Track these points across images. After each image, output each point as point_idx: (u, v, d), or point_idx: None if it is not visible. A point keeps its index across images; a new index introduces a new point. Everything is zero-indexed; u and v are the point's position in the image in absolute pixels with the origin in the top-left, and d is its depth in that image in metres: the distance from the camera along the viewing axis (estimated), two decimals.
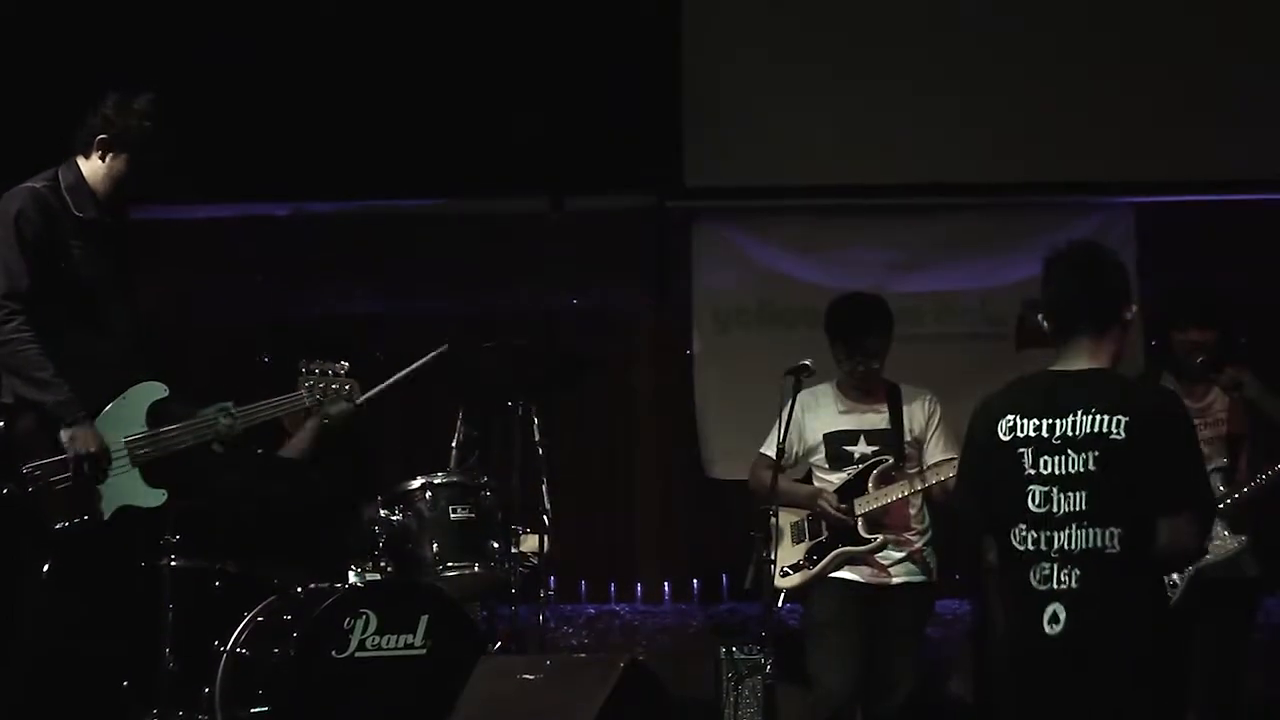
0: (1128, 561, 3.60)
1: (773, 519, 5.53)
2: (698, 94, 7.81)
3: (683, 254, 7.90)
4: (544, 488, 5.82)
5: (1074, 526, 3.61)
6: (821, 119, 7.80)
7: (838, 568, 5.61)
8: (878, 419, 5.71)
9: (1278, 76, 7.64)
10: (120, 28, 7.36)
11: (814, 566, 5.62)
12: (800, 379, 5.46)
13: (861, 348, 5.63)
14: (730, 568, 7.27)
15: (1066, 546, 3.61)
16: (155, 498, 4.91)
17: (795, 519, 5.73)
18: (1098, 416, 3.63)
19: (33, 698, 4.73)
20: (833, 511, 5.56)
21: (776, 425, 5.52)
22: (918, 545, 5.65)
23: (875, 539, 5.55)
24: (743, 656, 6.63)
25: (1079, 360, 3.77)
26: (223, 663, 5.23)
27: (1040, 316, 3.89)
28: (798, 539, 5.71)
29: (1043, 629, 3.61)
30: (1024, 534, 3.67)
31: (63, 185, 4.90)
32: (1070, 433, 3.64)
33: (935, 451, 5.69)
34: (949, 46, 7.77)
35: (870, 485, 5.59)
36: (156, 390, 4.98)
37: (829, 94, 7.81)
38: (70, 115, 5.00)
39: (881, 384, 5.76)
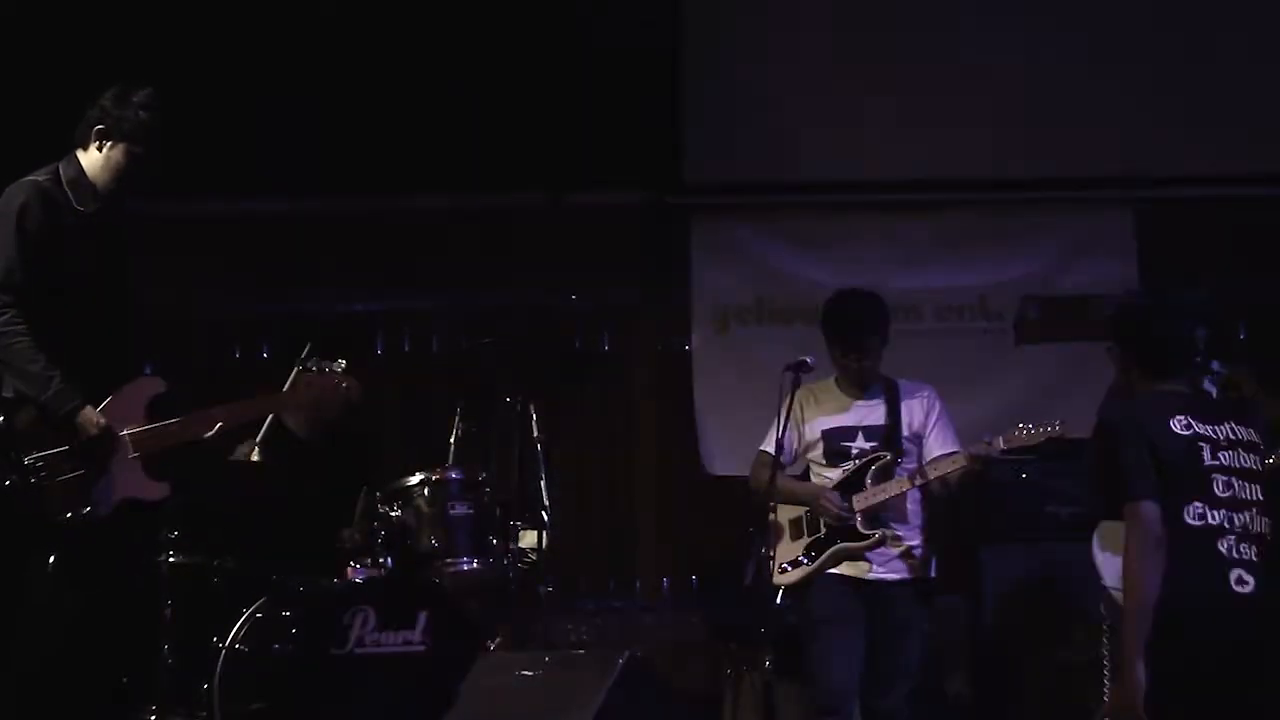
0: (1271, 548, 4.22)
1: (772, 515, 5.52)
2: (697, 90, 7.81)
3: (682, 250, 7.90)
4: (542, 484, 5.82)
5: (1255, 511, 4.20)
6: (821, 115, 7.80)
7: (836, 563, 5.61)
8: (876, 415, 5.71)
9: (1277, 70, 7.65)
10: (122, 23, 7.35)
11: (812, 563, 5.62)
12: (799, 375, 5.45)
13: (856, 345, 5.63)
14: (729, 564, 7.25)
15: (1249, 526, 4.18)
16: (158, 491, 4.91)
17: (794, 515, 5.72)
18: (1247, 429, 4.27)
19: (33, 693, 4.73)
20: (834, 509, 5.56)
21: (775, 422, 5.51)
22: (917, 541, 5.65)
23: (874, 535, 5.55)
24: (742, 653, 6.63)
25: (1178, 387, 4.33)
26: (221, 659, 5.23)
27: (1121, 352, 4.39)
28: (796, 535, 5.71)
29: (1231, 588, 4.11)
30: (1207, 510, 4.16)
31: (64, 179, 4.91)
32: (1233, 436, 4.24)
33: (935, 446, 5.67)
34: (948, 42, 7.77)
35: (868, 481, 5.58)
36: (155, 384, 4.98)
37: (828, 90, 7.81)
38: (72, 111, 5.00)
39: (880, 380, 5.76)
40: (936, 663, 6.64)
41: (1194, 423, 4.21)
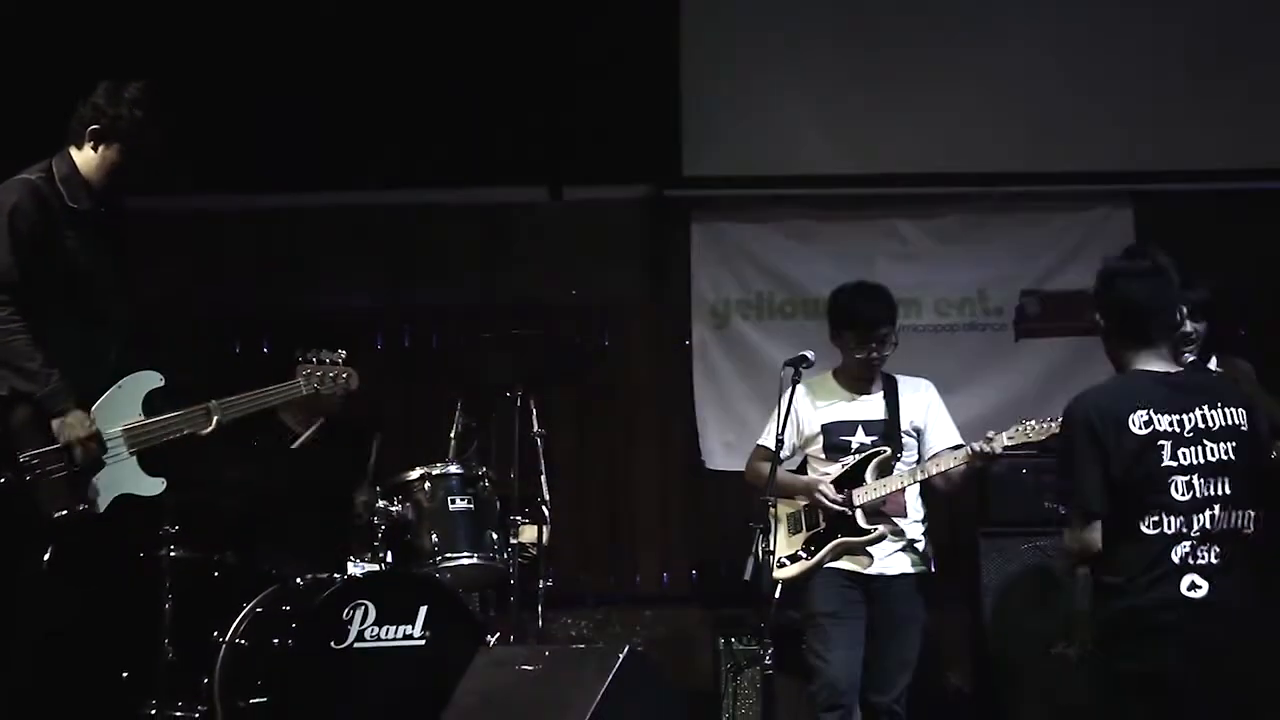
0: (1254, 541, 4.08)
1: (771, 509, 5.53)
2: (696, 84, 7.81)
3: (681, 245, 7.90)
4: (542, 479, 5.82)
5: (1217, 509, 4.04)
6: (820, 110, 7.80)
7: (836, 558, 5.61)
8: (876, 409, 5.72)
9: (1278, 68, 7.64)
10: (120, 17, 7.34)
11: (812, 557, 5.63)
12: (799, 370, 5.46)
13: (875, 335, 5.64)
14: (729, 559, 7.26)
15: (1208, 527, 4.03)
16: (153, 486, 4.91)
17: (792, 510, 5.73)
18: (1227, 410, 4.10)
19: (33, 688, 4.73)
20: (829, 503, 5.56)
21: (774, 416, 5.52)
22: (916, 535, 5.66)
23: (875, 530, 5.55)
24: (741, 648, 6.65)
25: (1161, 362, 4.20)
26: (222, 653, 5.24)
27: (1100, 320, 4.26)
28: (795, 529, 5.71)
29: (1182, 594, 4.01)
30: (1164, 518, 4.04)
31: (56, 176, 4.89)
32: (1202, 425, 4.06)
33: (935, 441, 5.69)
34: (947, 38, 7.76)
35: (868, 476, 5.59)
36: (152, 379, 4.98)
37: (827, 85, 7.81)
38: (68, 106, 4.99)
39: (879, 374, 5.77)
40: (936, 657, 6.65)
41: (1155, 416, 4.08)
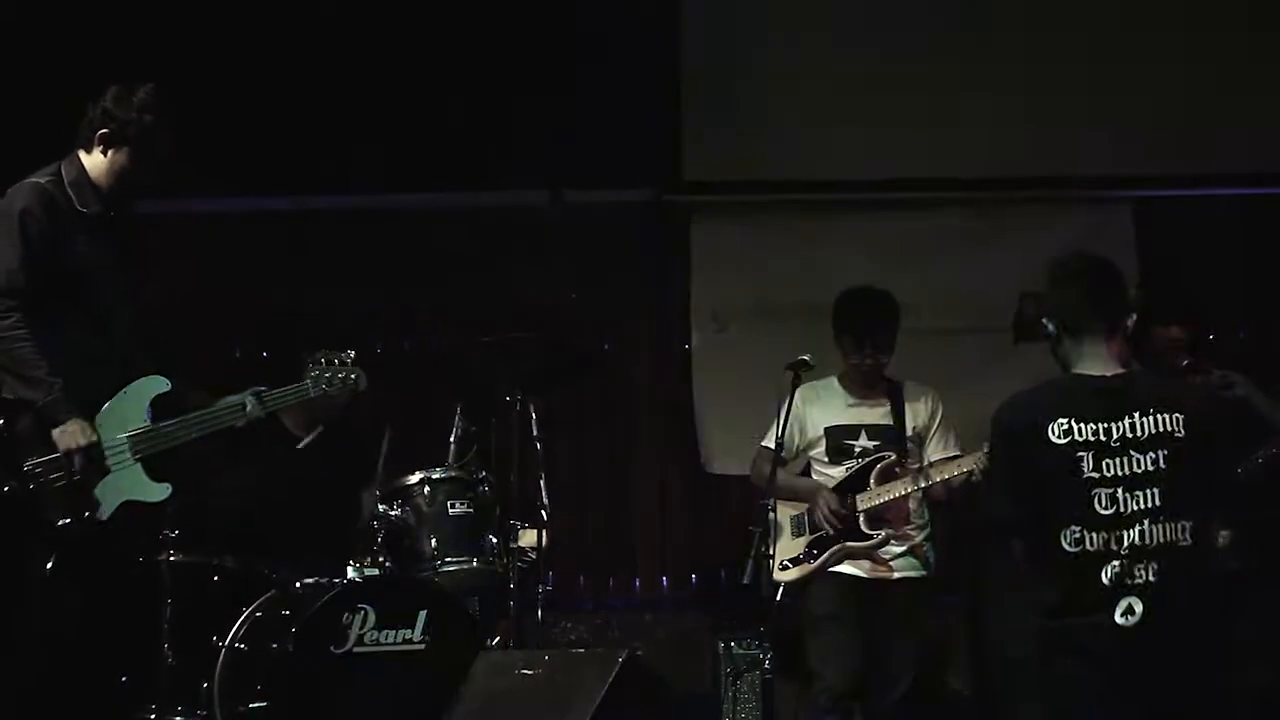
0: (1197, 553, 3.85)
1: (771, 513, 5.54)
2: (697, 89, 7.81)
3: (681, 249, 7.90)
4: (542, 483, 5.83)
5: (1146, 523, 3.82)
6: (819, 114, 7.80)
7: (838, 562, 5.63)
8: (880, 414, 5.73)
9: (1277, 70, 7.65)
10: (123, 20, 7.35)
11: (814, 561, 5.64)
12: (799, 374, 5.47)
13: (873, 341, 5.66)
14: (728, 562, 7.27)
15: (1139, 543, 3.81)
16: (159, 492, 4.91)
17: (795, 512, 5.74)
18: (1159, 416, 3.86)
19: (33, 694, 4.73)
20: (830, 514, 5.57)
21: (776, 418, 5.53)
22: (917, 540, 5.67)
23: (878, 535, 5.57)
24: (741, 651, 6.64)
25: (1100, 365, 4.01)
26: (221, 658, 5.24)
27: (1046, 321, 4.10)
28: (797, 532, 5.72)
29: (1114, 622, 3.79)
30: (1085, 534, 3.83)
31: (66, 180, 4.90)
32: (1131, 434, 3.85)
33: (937, 448, 5.71)
34: (947, 42, 7.76)
35: (873, 481, 5.60)
36: (159, 384, 4.98)
37: (827, 89, 7.81)
38: (73, 111, 4.99)
39: (883, 379, 5.78)
40: (936, 661, 6.65)
41: (1075, 425, 3.86)
